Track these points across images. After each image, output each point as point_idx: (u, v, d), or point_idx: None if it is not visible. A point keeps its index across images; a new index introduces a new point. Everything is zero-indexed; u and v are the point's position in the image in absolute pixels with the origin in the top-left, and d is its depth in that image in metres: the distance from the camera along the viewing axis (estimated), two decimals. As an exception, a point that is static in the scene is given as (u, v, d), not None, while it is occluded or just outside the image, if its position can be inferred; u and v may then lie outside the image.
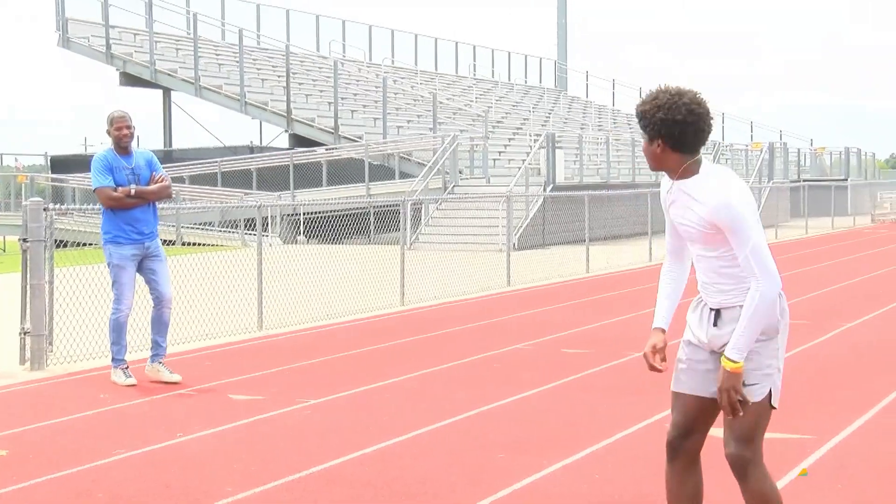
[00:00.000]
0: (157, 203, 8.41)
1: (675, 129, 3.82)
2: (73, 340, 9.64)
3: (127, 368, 8.21)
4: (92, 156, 9.02)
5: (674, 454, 4.03)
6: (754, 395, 3.79)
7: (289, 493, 5.42)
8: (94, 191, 8.23)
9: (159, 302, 8.29)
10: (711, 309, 3.92)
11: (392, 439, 6.44)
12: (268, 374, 8.71)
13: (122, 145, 8.19)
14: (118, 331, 8.21)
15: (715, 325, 3.89)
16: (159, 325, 8.31)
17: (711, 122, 3.88)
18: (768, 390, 3.82)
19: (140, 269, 8.25)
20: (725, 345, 3.81)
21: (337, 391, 7.95)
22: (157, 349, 8.32)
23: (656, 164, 3.93)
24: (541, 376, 8.43)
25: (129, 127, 8.18)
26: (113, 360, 8.25)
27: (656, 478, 5.60)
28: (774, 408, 3.87)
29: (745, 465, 3.85)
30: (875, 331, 10.93)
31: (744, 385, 3.77)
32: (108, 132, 8.21)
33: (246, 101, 32.35)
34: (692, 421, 3.99)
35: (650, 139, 3.90)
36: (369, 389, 8.04)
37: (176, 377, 8.19)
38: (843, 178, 41.93)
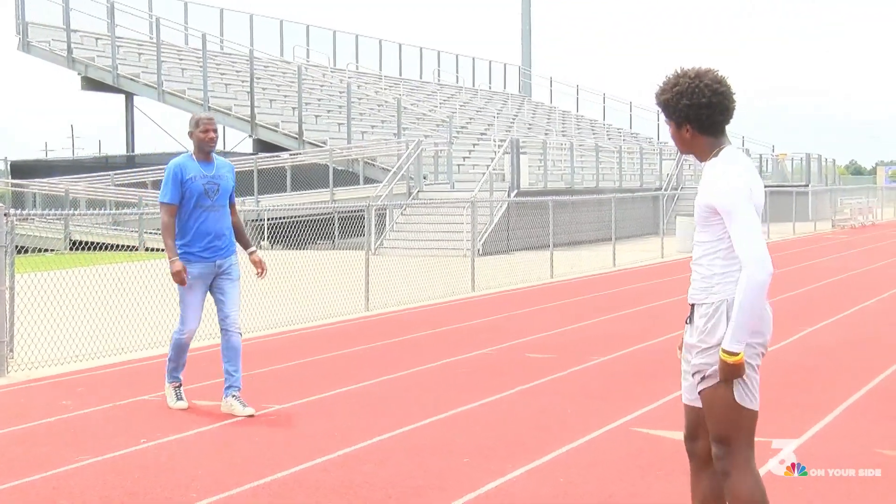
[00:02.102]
0: (229, 213, 7.50)
1: (702, 113, 3.82)
2: (35, 347, 9.56)
3: (179, 387, 7.55)
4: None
5: (689, 456, 4.12)
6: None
7: (254, 498, 5.41)
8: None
9: (226, 325, 7.38)
10: (690, 304, 3.95)
11: (357, 444, 6.44)
12: (232, 380, 8.65)
13: (206, 150, 7.40)
14: (177, 349, 7.52)
15: (688, 321, 3.94)
16: (229, 351, 7.37)
17: (735, 97, 3.88)
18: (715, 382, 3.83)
19: (210, 287, 7.48)
20: (695, 343, 3.85)
21: (302, 396, 7.93)
22: (229, 379, 7.35)
23: (686, 149, 3.95)
24: (505, 381, 8.45)
25: (215, 130, 7.44)
26: (168, 375, 7.62)
27: (621, 481, 5.64)
28: (751, 409, 3.87)
29: (723, 466, 3.88)
30: (836, 334, 11.05)
31: (701, 378, 3.83)
32: (192, 134, 7.42)
33: (209, 106, 32.19)
34: (692, 427, 4.06)
35: (678, 126, 3.89)
36: (334, 395, 8.03)
37: (249, 410, 7.24)
38: (804, 183, 42.34)
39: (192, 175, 7.34)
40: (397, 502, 5.33)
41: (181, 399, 7.55)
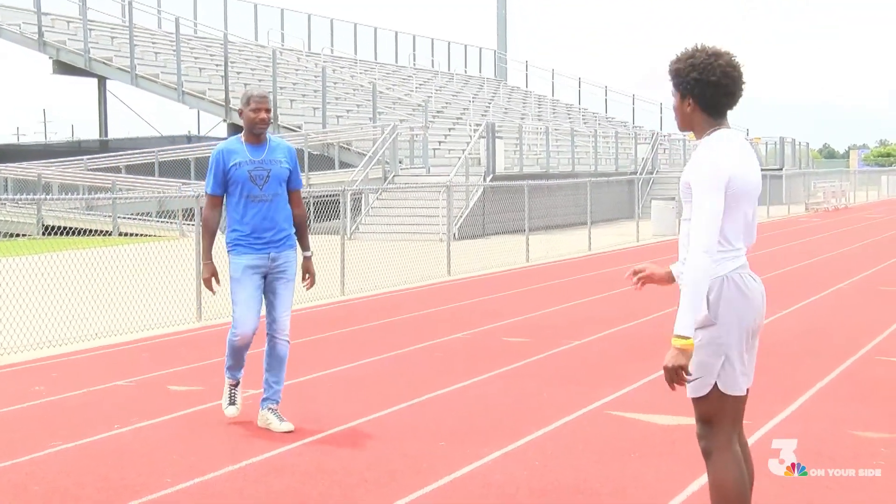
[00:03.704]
0: (286, 202, 6.60)
1: (708, 90, 3.78)
2: (7, 332, 9.50)
3: (236, 386, 6.75)
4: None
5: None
6: (692, 389, 3.81)
7: (229, 483, 5.40)
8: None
9: (273, 331, 6.60)
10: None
11: (333, 428, 6.44)
12: (206, 365, 8.64)
13: (256, 132, 6.48)
14: (232, 352, 6.67)
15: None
16: (272, 360, 6.59)
17: (743, 87, 3.85)
18: (711, 385, 3.81)
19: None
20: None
21: (277, 381, 7.90)
22: (269, 391, 6.59)
23: (684, 124, 3.90)
24: (481, 365, 8.47)
25: (267, 110, 6.50)
26: (225, 370, 6.81)
27: (596, 464, 5.67)
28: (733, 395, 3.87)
29: (704, 448, 3.90)
30: (805, 320, 11.11)
31: (687, 375, 3.72)
32: (241, 113, 6.54)
33: (183, 91, 32.02)
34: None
35: (681, 97, 3.85)
36: (310, 379, 8.03)
37: (287, 426, 6.46)
38: (778, 167, 42.55)
39: (238, 161, 6.47)
40: (373, 486, 5.33)
41: (233, 404, 6.73)
